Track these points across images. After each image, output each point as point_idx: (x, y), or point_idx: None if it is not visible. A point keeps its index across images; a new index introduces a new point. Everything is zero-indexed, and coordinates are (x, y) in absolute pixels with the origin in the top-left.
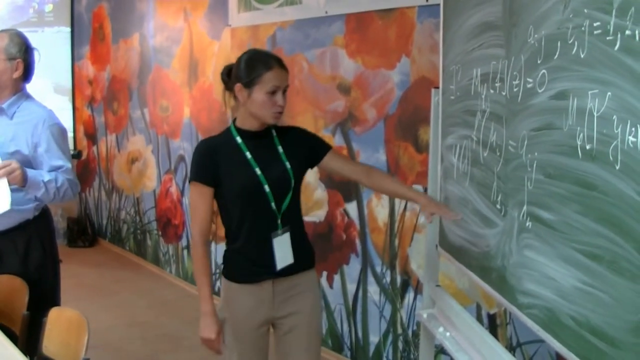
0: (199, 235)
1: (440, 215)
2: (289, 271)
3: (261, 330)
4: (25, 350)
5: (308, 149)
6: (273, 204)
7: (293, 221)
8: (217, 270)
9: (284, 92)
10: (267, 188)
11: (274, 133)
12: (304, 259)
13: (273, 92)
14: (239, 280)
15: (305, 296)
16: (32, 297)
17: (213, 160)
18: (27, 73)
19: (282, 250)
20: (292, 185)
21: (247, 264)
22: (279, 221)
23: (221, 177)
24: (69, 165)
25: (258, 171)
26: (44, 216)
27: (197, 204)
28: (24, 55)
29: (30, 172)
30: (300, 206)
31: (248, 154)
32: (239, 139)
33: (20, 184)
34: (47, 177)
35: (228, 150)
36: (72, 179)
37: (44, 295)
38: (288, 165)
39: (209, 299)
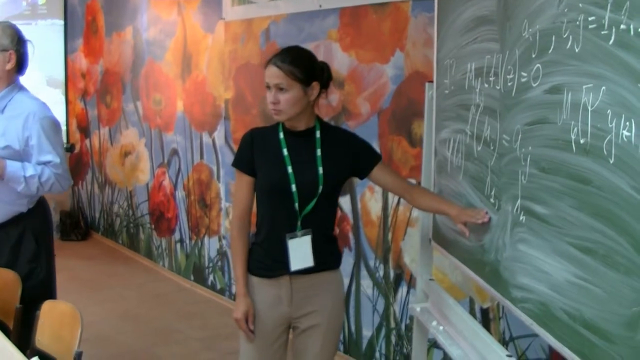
0: (235, 219)
1: (473, 221)
2: (308, 270)
3: (279, 329)
4: (18, 344)
5: (353, 157)
6: (296, 205)
7: (317, 225)
8: (210, 264)
9: (282, 90)
10: (293, 188)
11: (318, 135)
12: (326, 261)
13: (268, 89)
14: (258, 274)
15: (326, 296)
16: (24, 290)
17: (252, 150)
18: (21, 65)
19: (300, 252)
20: (320, 191)
21: (265, 258)
22: (299, 222)
23: (256, 168)
24: (57, 160)
25: (290, 169)
26: (39, 209)
27: (236, 189)
28: (17, 46)
29: (10, 167)
30: (331, 212)
31: (285, 151)
32: (281, 135)
33: None
34: (30, 171)
35: (268, 143)
36: (60, 173)
37: (36, 289)
38: (321, 170)
39: (241, 280)
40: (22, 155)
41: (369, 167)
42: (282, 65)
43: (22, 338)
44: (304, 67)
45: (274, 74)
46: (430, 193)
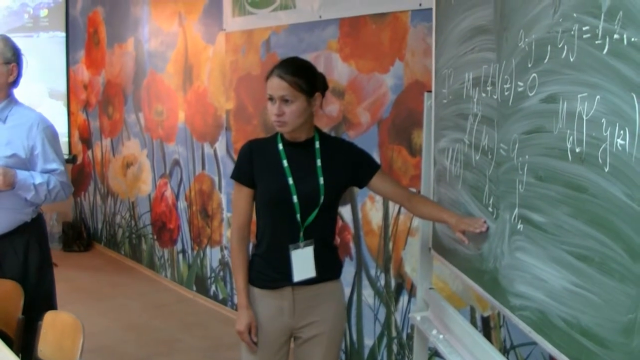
0: (235, 231)
1: (471, 229)
2: (310, 281)
3: (281, 339)
4: (20, 354)
5: (352, 167)
6: (298, 216)
7: (319, 236)
8: (213, 274)
9: (287, 101)
10: (295, 199)
11: (317, 145)
12: (328, 271)
13: (271, 100)
14: (260, 285)
15: (328, 306)
16: (31, 300)
17: (251, 162)
18: (16, 78)
19: (303, 263)
20: (321, 201)
21: (267, 269)
22: (301, 233)
23: (256, 180)
24: (62, 168)
25: (290, 181)
26: (39, 219)
27: (235, 201)
28: (17, 60)
29: (20, 175)
30: (331, 221)
31: (285, 162)
32: (280, 146)
33: (7, 188)
34: (38, 179)
35: (268, 155)
36: (64, 181)
37: (44, 298)
38: (321, 180)
39: (242, 292)
40: (27, 164)
41: (368, 176)
42: (285, 77)
43: (25, 349)
44: (308, 77)
45: (278, 86)
46: (430, 201)
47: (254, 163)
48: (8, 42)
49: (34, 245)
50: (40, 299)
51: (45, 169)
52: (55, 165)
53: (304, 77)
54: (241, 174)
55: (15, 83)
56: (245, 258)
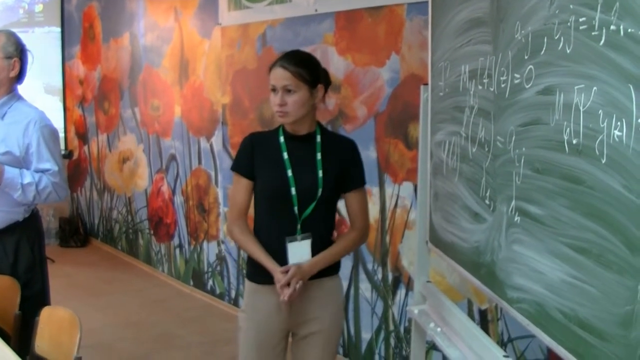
0: (234, 221)
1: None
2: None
3: (278, 335)
4: (17, 350)
5: (348, 167)
6: (296, 208)
7: (317, 229)
8: (210, 269)
9: (290, 92)
10: (293, 191)
11: (319, 139)
12: (326, 267)
13: (274, 91)
14: (257, 280)
15: (326, 303)
16: (21, 300)
17: (252, 154)
18: (20, 74)
19: (299, 256)
20: (319, 194)
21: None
22: (299, 226)
23: (256, 171)
24: (56, 168)
25: (289, 173)
26: (33, 218)
27: (233, 193)
28: (20, 55)
29: (8, 173)
30: (330, 217)
31: (285, 155)
32: (281, 139)
33: None
34: (27, 179)
35: (269, 147)
36: (58, 182)
37: (33, 298)
38: (320, 174)
39: (266, 259)
40: (21, 162)
41: (352, 186)
42: (289, 67)
43: (22, 344)
44: (310, 68)
45: (281, 76)
46: (335, 245)
47: (255, 155)
48: (12, 37)
49: (24, 245)
50: (31, 298)
51: (38, 169)
52: (48, 165)
53: (307, 68)
54: (241, 166)
55: (19, 79)
56: (252, 237)
